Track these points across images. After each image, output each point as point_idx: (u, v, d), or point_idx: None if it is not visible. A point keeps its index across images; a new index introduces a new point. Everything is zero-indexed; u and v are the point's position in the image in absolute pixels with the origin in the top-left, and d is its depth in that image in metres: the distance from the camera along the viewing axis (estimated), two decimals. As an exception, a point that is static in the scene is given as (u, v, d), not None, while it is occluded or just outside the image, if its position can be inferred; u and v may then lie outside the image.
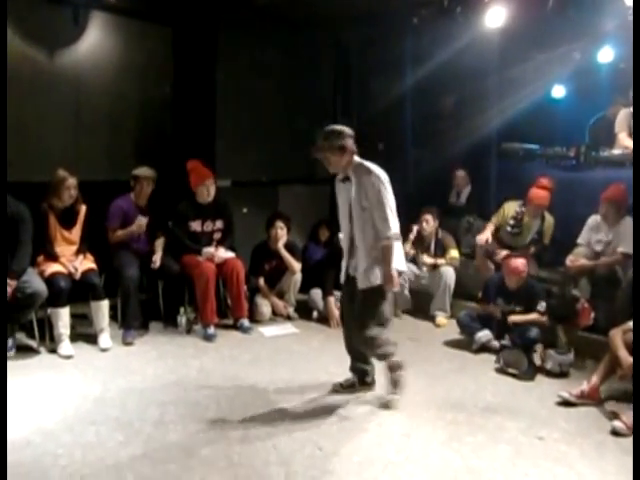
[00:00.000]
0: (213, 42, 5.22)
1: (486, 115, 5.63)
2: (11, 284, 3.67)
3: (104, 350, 4.02)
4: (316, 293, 4.94)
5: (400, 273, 3.30)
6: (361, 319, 3.21)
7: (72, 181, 4.11)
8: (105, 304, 4.11)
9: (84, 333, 4.22)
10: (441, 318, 4.91)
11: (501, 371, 3.87)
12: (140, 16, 5.06)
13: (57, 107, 4.72)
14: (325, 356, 4.07)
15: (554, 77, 5.87)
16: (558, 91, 6.02)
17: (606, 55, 5.34)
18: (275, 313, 4.91)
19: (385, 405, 3.27)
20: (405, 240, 4.60)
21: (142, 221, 4.41)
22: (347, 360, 3.53)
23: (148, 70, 5.21)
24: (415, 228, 5.03)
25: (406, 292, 4.97)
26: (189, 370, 3.78)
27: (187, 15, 5.17)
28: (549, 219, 4.80)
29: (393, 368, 3.29)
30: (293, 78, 5.69)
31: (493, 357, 4.03)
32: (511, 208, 4.88)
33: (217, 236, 4.66)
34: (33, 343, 4.00)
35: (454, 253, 5.03)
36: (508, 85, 5.54)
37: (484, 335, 4.17)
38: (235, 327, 4.58)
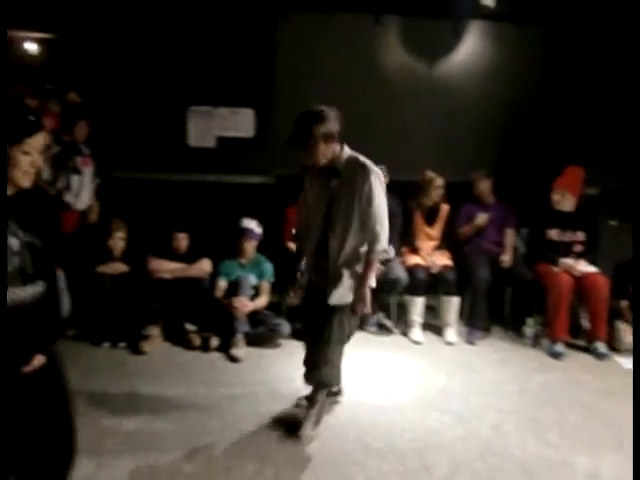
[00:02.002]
0: (586, 41, 4.81)
1: None
2: (380, 269, 4.19)
3: (449, 344, 4.22)
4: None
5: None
6: (324, 336, 2.73)
7: (440, 181, 4.42)
8: (456, 300, 4.30)
9: (431, 324, 4.51)
10: None
11: None
12: (513, 20, 5.02)
13: (430, 112, 5.11)
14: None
15: None
16: None
17: None
18: (638, 344, 4.28)
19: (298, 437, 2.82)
20: None
21: (482, 217, 4.45)
22: None
23: (516, 74, 5.15)
24: None
25: None
26: (531, 384, 3.65)
27: (563, 16, 4.89)
28: None
29: (322, 402, 2.94)
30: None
31: None
32: None
33: (577, 248, 4.32)
34: (390, 324, 4.48)
35: None
36: None
37: None
38: (587, 350, 4.18)
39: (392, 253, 4.02)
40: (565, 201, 4.32)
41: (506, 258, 4.46)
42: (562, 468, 2.73)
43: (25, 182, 1.68)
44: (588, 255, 4.30)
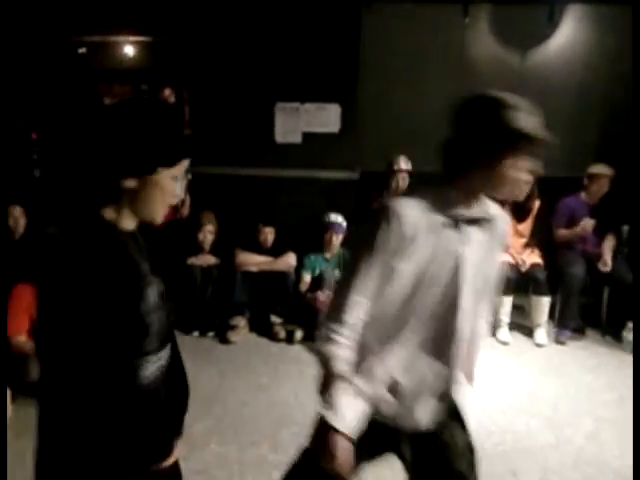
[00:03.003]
0: None
1: None
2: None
3: (539, 345, 4.05)
4: None
5: None
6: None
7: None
8: (546, 300, 4.11)
9: (520, 324, 4.33)
10: None
11: None
12: (618, 1, 4.68)
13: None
14: None
15: None
16: None
17: None
18: None
19: None
20: None
21: (588, 223, 4.17)
22: None
23: (618, 61, 4.80)
24: None
25: None
26: (630, 391, 3.41)
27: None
28: None
29: None
30: None
31: None
32: None
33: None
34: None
35: None
36: None
37: None
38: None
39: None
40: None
41: (607, 262, 4.17)
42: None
43: (160, 216, 1.25)
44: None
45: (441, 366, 1.48)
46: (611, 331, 4.24)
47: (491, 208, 1.51)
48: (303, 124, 4.62)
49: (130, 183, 1.16)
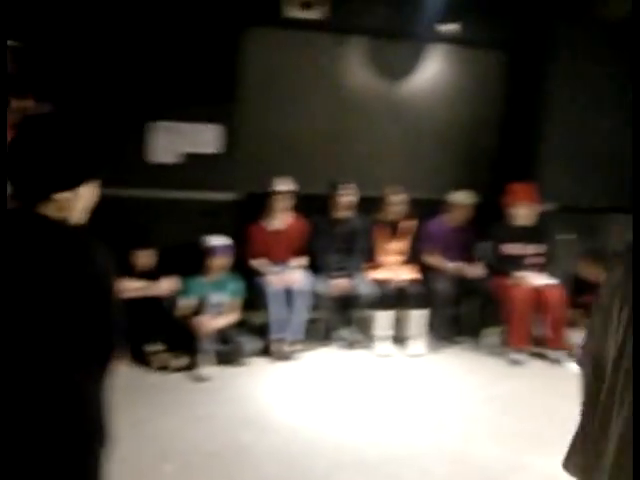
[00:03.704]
0: (546, 62, 5.05)
1: None
2: (346, 285, 4.28)
3: (415, 356, 4.29)
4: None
5: None
6: None
7: (401, 197, 4.53)
8: (421, 313, 4.39)
9: (398, 337, 4.54)
10: None
11: None
12: (475, 44, 5.21)
13: (395, 131, 5.23)
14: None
15: None
16: None
17: None
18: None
19: None
20: None
21: (456, 268, 4.51)
22: None
23: (479, 95, 5.33)
24: None
25: None
26: (494, 391, 3.75)
27: (521, 37, 5.12)
28: None
29: None
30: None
31: None
32: None
33: (532, 260, 4.50)
34: (358, 338, 4.50)
35: None
36: None
37: None
38: (547, 358, 4.34)
39: None
40: (523, 216, 4.50)
41: (473, 270, 4.54)
42: (524, 471, 2.82)
43: (83, 219, 1.38)
44: (544, 268, 4.48)
45: None
46: (476, 337, 4.63)
47: None
48: (182, 144, 4.53)
49: (59, 196, 1.27)
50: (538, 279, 4.39)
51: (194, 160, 4.58)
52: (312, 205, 4.54)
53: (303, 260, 4.40)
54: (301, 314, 4.18)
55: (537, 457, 2.92)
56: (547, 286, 4.35)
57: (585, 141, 5.08)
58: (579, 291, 4.56)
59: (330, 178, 4.57)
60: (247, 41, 4.68)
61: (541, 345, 4.44)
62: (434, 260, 4.61)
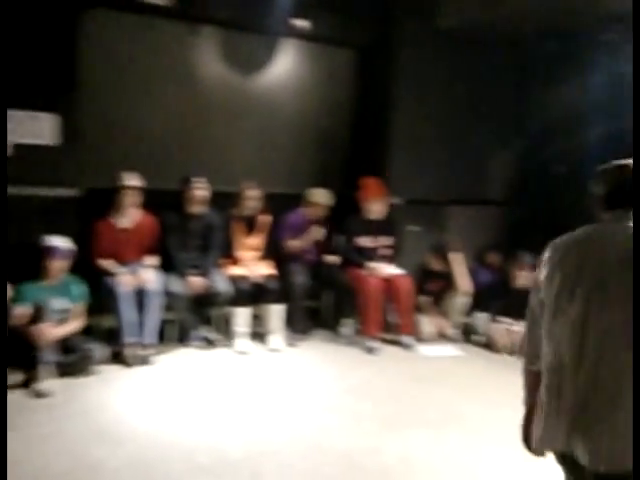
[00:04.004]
0: (394, 61, 5.35)
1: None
2: (202, 283, 4.16)
3: (273, 351, 4.31)
4: (481, 317, 4.78)
5: None
6: None
7: (256, 192, 4.51)
8: (279, 308, 4.41)
9: (257, 333, 4.54)
10: None
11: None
12: (326, 41, 5.35)
13: (248, 126, 5.19)
14: (486, 383, 3.93)
15: None
16: None
17: None
18: (438, 333, 4.85)
19: None
20: None
21: (318, 231, 4.64)
22: (506, 388, 3.39)
23: (331, 91, 5.48)
24: None
25: None
26: (350, 380, 3.89)
27: (371, 37, 5.37)
28: None
29: None
30: (471, 96, 5.60)
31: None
32: None
33: (384, 252, 4.75)
34: (215, 337, 4.41)
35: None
36: None
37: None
38: (398, 343, 4.61)
39: None
40: (374, 210, 4.72)
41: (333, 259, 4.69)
42: (381, 454, 2.95)
43: None
44: (392, 258, 4.75)
45: None
46: (333, 328, 4.77)
47: None
48: (13, 134, 4.03)
49: None
50: (388, 269, 4.65)
51: (28, 152, 4.12)
52: (163, 201, 4.33)
53: (154, 259, 4.20)
54: (154, 316, 3.98)
55: (393, 439, 3.07)
56: (396, 276, 4.62)
57: (431, 138, 5.47)
58: (425, 280, 4.93)
59: (182, 173, 4.41)
60: (87, 23, 4.31)
61: (393, 332, 4.72)
62: (292, 246, 4.65)
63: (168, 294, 4.06)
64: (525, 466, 2.92)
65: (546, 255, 1.68)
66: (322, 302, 4.90)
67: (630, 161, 1.69)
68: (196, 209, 4.31)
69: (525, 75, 5.86)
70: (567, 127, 5.55)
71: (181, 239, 4.28)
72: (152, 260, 4.17)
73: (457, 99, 5.53)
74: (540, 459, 1.70)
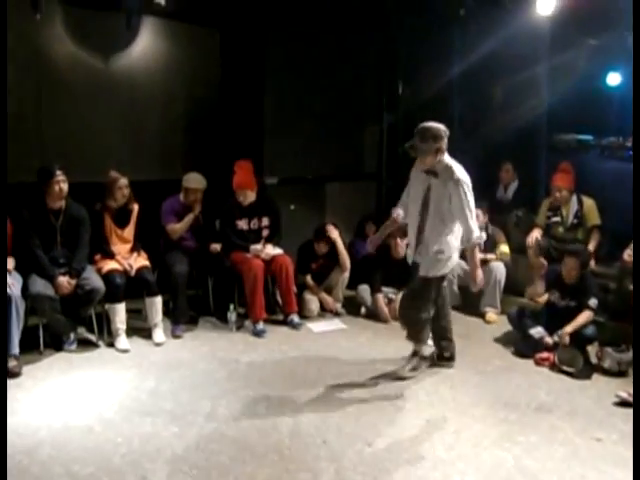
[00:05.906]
0: (261, 42, 5.27)
1: (536, 105, 5.47)
2: (71, 282, 3.87)
3: (158, 345, 4.15)
4: (364, 289, 4.93)
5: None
6: (413, 300, 3.58)
7: (124, 181, 4.25)
8: (158, 300, 4.24)
9: (139, 327, 4.35)
10: (491, 314, 4.83)
11: (555, 369, 3.77)
12: (188, 19, 5.14)
13: (111, 110, 4.88)
14: (373, 352, 4.08)
15: (609, 64, 5.64)
16: (614, 79, 5.78)
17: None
18: (323, 309, 4.94)
19: (399, 378, 3.61)
20: None
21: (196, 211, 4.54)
22: (394, 356, 3.79)
23: (197, 72, 5.30)
24: None
25: (455, 288, 4.90)
26: (239, 365, 3.85)
27: (235, 17, 5.23)
28: (587, 201, 4.74)
29: (416, 355, 3.73)
30: (340, 73, 5.68)
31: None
32: (547, 202, 4.89)
33: (265, 233, 4.72)
34: (92, 337, 4.15)
35: (504, 248, 4.93)
36: (560, 74, 5.36)
37: (537, 332, 4.06)
38: (284, 323, 4.63)
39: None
40: (245, 196, 4.63)
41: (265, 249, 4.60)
42: (272, 432, 2.97)
43: None
44: (273, 239, 4.73)
45: None
46: (218, 315, 4.69)
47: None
48: None
49: None
50: (270, 250, 4.63)
51: None
52: (18, 196, 3.95)
53: (11, 261, 3.81)
54: (18, 324, 3.63)
55: (284, 418, 3.11)
56: (276, 256, 4.62)
57: (303, 117, 5.49)
58: (309, 259, 4.98)
59: (37, 164, 4.05)
60: None
61: (279, 312, 4.74)
62: (175, 229, 4.52)
63: (31, 297, 3.74)
64: (414, 423, 3.08)
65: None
66: (206, 290, 4.79)
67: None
68: (57, 204, 3.97)
69: (392, 53, 6.07)
70: (435, 99, 5.84)
71: (43, 237, 3.93)
72: (9, 263, 3.79)
73: (327, 77, 5.59)
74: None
